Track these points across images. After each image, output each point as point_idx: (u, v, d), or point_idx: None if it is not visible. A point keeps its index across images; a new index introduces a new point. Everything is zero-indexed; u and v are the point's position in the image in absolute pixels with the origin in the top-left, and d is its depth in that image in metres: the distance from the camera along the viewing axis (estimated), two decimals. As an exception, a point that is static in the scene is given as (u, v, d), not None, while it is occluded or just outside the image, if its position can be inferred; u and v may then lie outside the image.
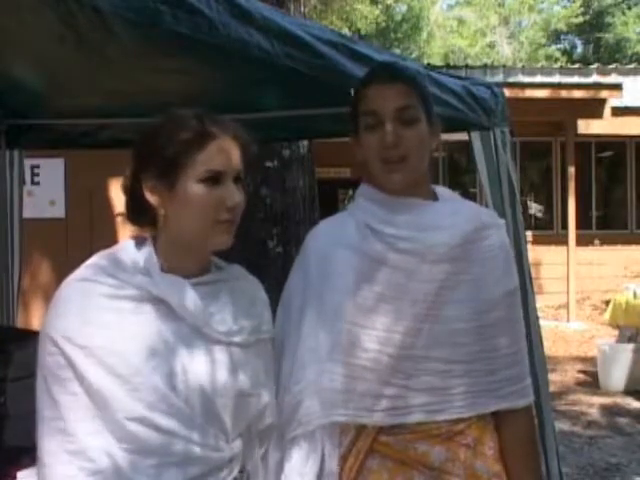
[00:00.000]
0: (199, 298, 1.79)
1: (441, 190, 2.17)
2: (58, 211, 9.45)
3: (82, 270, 1.79)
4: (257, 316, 1.94)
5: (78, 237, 8.48)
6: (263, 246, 5.84)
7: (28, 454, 1.78)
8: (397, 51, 33.50)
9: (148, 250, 1.82)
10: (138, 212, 1.85)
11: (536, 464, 2.14)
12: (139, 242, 1.85)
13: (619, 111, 14.03)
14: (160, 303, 1.76)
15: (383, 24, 33.30)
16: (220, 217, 1.78)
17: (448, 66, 16.60)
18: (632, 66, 18.12)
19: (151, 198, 1.80)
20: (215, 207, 1.77)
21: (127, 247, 1.83)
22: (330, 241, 2.09)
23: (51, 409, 1.71)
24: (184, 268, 1.82)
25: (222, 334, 1.82)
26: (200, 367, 1.77)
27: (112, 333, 1.71)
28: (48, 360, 1.72)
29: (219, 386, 1.78)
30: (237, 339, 1.85)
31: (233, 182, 1.80)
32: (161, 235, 1.84)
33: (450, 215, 2.06)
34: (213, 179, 1.77)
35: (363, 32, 30.43)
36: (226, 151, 1.79)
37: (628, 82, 14.64)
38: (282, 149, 5.93)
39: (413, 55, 34.82)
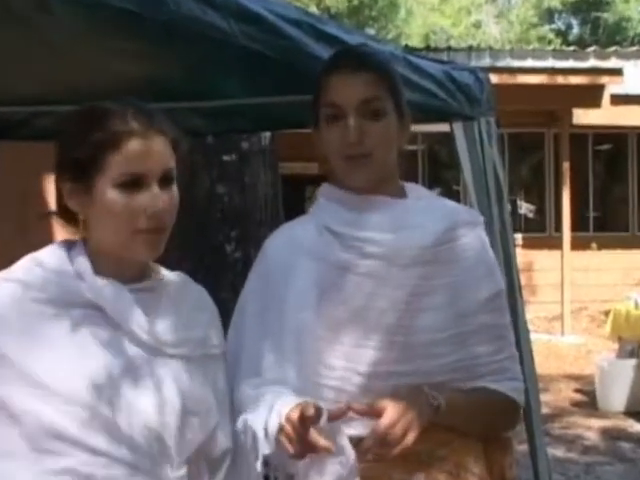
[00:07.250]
0: (138, 305, 1.79)
1: (411, 187, 2.18)
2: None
3: (5, 274, 1.79)
4: (203, 328, 1.93)
5: (6, 242, 8.42)
6: (220, 250, 5.83)
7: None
8: (371, 31, 33.49)
9: (78, 253, 1.81)
10: (65, 212, 1.84)
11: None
12: (68, 246, 1.84)
13: (619, 99, 14.15)
14: (93, 308, 1.76)
15: (355, 1, 33.31)
16: (139, 226, 1.75)
17: (429, 48, 16.68)
18: (634, 49, 18.19)
19: (69, 202, 1.80)
20: (132, 215, 1.75)
21: (54, 251, 1.83)
22: (291, 249, 2.10)
23: None
24: (118, 273, 1.80)
25: (164, 344, 1.81)
26: (139, 381, 1.75)
27: (35, 340, 1.70)
28: None
29: (159, 402, 1.77)
30: (181, 351, 1.85)
31: (159, 184, 1.77)
32: (88, 240, 1.83)
33: (420, 213, 2.07)
34: (132, 183, 1.74)
35: (333, 10, 30.41)
36: (147, 150, 1.75)
37: (629, 67, 14.74)
38: (241, 141, 5.93)
39: (390, 36, 34.86)
